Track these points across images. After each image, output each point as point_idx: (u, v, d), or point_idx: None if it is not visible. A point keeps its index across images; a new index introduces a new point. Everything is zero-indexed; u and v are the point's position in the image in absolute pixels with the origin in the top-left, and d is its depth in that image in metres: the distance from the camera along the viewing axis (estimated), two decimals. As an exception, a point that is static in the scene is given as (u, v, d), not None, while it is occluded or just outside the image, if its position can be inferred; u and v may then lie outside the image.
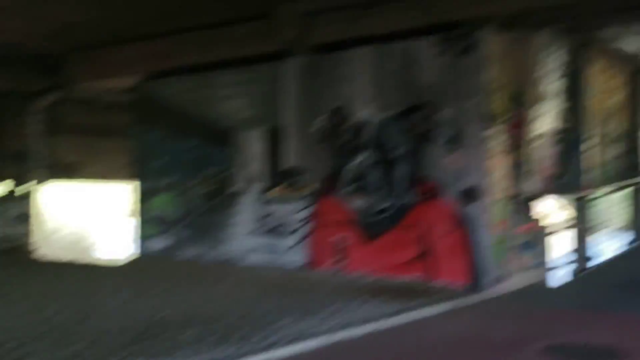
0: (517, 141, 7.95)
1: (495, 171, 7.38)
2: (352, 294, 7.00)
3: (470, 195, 7.38)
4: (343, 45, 8.30)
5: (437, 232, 7.62)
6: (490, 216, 7.29)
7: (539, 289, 7.74)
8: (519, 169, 7.97)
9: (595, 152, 9.38)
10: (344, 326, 5.66)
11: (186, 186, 10.01)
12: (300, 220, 8.73)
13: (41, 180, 12.42)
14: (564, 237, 8.91)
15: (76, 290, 7.83)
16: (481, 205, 7.30)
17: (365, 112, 8.23)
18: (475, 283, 7.25)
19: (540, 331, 5.60)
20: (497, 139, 7.40)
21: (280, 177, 9.01)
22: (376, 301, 6.64)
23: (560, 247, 8.78)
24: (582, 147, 9.06)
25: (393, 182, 8.06)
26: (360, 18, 7.95)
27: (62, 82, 11.24)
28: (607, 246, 10.30)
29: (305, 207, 8.69)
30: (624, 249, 9.68)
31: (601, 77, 9.85)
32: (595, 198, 8.98)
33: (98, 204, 14.19)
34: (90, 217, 13.97)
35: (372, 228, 8.20)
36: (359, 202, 8.30)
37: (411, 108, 7.86)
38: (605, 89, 10.01)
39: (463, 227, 7.42)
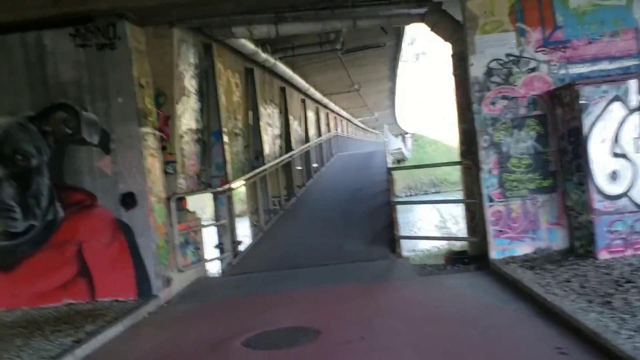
0: (165, 140, 7.79)
1: (151, 172, 7.05)
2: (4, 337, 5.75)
3: (129, 200, 6.88)
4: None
5: (96, 245, 6.87)
6: (152, 220, 6.94)
7: (207, 284, 7.80)
8: (169, 168, 7.84)
9: (228, 147, 9.85)
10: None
11: None
12: None
13: None
14: (214, 230, 9.22)
15: None
16: (141, 210, 6.88)
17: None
18: (145, 292, 6.81)
19: (230, 327, 5.60)
20: (149, 139, 7.07)
21: None
22: (40, 337, 5.58)
23: (213, 240, 9.06)
24: (218, 143, 9.41)
25: (30, 197, 6.93)
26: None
27: None
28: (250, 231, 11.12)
29: None
30: (261, 230, 10.52)
31: (226, 76, 10.41)
32: (233, 189, 9.47)
33: None
34: None
35: (7, 256, 6.91)
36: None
37: (49, 109, 6.85)
38: (229, 87, 10.63)
39: (124, 236, 6.87)
